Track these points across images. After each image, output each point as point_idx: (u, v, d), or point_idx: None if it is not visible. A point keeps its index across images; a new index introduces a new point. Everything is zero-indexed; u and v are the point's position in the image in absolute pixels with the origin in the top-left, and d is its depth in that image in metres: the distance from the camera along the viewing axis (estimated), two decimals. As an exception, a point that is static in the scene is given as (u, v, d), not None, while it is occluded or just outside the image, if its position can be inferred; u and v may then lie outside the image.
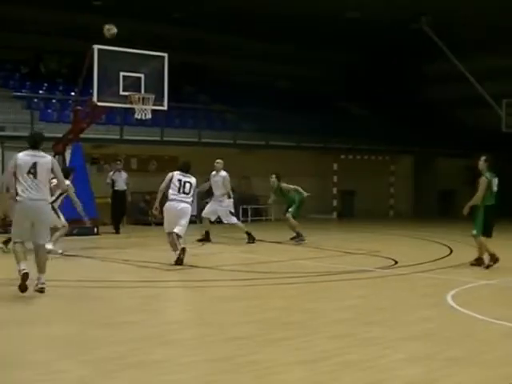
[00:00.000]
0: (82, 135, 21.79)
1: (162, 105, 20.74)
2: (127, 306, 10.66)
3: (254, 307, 10.44)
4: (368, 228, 26.38)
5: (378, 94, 37.50)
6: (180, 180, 15.24)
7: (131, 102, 19.93)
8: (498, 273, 14.50)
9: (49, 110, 26.74)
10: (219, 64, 34.25)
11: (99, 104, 19.85)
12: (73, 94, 25.15)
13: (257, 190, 30.70)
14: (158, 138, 27.01)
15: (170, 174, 15.43)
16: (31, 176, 10.99)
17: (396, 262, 15.84)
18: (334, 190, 32.46)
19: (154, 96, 20.00)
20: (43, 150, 11.32)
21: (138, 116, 20.20)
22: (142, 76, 20.04)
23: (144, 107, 19.95)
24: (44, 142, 11.50)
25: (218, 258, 16.96)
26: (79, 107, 21.54)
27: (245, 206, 29.22)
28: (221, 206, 19.93)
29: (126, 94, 19.85)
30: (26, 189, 11.01)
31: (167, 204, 15.19)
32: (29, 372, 6.95)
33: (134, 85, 19.97)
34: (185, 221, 14.98)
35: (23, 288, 10.73)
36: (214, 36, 33.87)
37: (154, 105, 20.14)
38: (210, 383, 6.78)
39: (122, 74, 19.79)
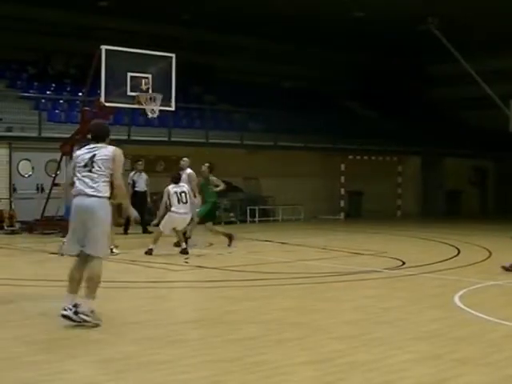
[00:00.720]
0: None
1: (170, 105, 20.76)
2: (134, 306, 10.65)
3: (261, 307, 10.43)
4: (375, 229, 26.34)
5: (385, 94, 37.45)
6: (176, 192, 17.05)
7: (139, 102, 19.95)
8: (505, 274, 14.45)
9: (56, 111, 26.78)
10: (226, 64, 34.28)
11: (107, 104, 19.89)
12: (80, 94, 25.19)
13: (264, 191, 30.69)
14: (165, 139, 27.02)
15: (166, 190, 17.18)
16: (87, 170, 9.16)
17: (403, 263, 15.81)
18: (342, 191, 32.43)
19: (161, 96, 20.01)
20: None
21: (149, 115, 20.21)
22: (150, 76, 20.05)
23: (151, 107, 19.97)
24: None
25: (225, 258, 16.94)
26: (87, 108, 21.57)
27: (252, 207, 29.20)
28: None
29: (134, 94, 19.87)
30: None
31: (171, 214, 17.02)
32: (33, 372, 6.95)
33: (141, 85, 19.99)
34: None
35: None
36: (221, 36, 33.91)
37: (161, 105, 20.15)
38: (217, 383, 6.77)
39: (129, 74, 19.81)
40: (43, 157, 24.68)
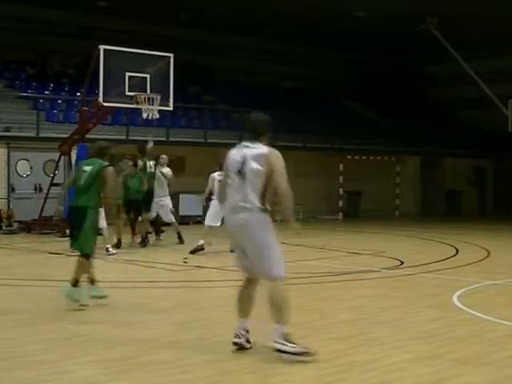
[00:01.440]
0: (87, 135, 21.80)
1: (168, 105, 20.76)
2: (133, 306, 10.64)
3: (260, 307, 10.41)
4: (374, 228, 26.34)
5: (384, 94, 37.45)
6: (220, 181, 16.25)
7: (137, 103, 19.95)
8: (503, 273, 14.48)
9: (55, 111, 26.77)
10: (225, 64, 34.25)
11: (105, 104, 19.90)
12: (79, 94, 25.17)
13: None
14: (163, 139, 26.98)
15: (212, 177, 17.13)
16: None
17: (402, 263, 15.82)
18: (340, 191, 32.40)
19: (159, 96, 20.01)
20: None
21: (145, 116, 20.21)
22: (148, 76, 20.06)
23: (150, 107, 19.96)
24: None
25: (224, 258, 16.94)
26: (85, 108, 21.58)
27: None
28: (163, 204, 19.14)
29: (132, 94, 19.87)
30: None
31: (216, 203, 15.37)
32: (34, 372, 6.96)
33: (139, 85, 20.00)
34: None
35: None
36: (220, 36, 33.89)
37: (159, 105, 20.15)
38: (216, 383, 6.77)
39: (127, 74, 19.81)
40: (41, 157, 24.66)
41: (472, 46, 32.92)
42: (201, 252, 16.84)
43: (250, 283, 7.99)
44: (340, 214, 32.54)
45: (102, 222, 15.36)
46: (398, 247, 19.95)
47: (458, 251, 18.50)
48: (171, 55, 20.76)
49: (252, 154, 7.65)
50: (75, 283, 10.11)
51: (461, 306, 10.53)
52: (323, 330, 9.06)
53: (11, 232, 22.60)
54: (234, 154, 7.81)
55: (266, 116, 8.22)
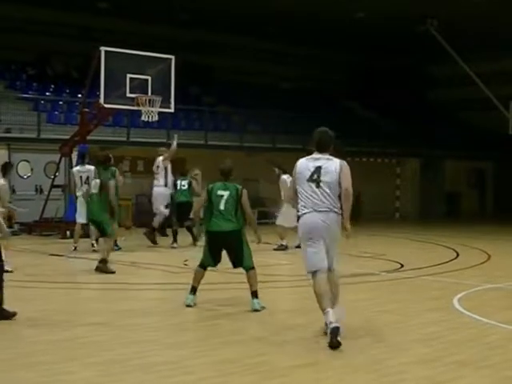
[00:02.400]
0: (88, 137, 21.82)
1: (169, 107, 20.76)
2: (134, 308, 10.66)
3: (264, 311, 10.41)
4: (374, 231, 26.33)
5: (385, 95, 37.45)
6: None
7: (138, 104, 19.94)
8: (504, 277, 14.49)
9: (56, 112, 26.77)
10: (225, 65, 34.27)
11: (106, 106, 19.90)
12: (80, 95, 25.16)
13: (263, 193, 30.66)
14: (164, 140, 26.96)
15: (285, 179, 18.16)
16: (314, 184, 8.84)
17: (402, 266, 15.82)
18: (340, 193, 32.38)
19: (160, 98, 20.01)
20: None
21: (144, 118, 20.21)
22: (149, 78, 20.05)
23: (151, 109, 19.96)
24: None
25: (225, 260, 16.94)
26: (86, 109, 21.59)
27: (251, 209, 29.09)
28: None
29: (133, 95, 19.87)
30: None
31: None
32: (33, 373, 6.97)
33: (140, 87, 19.99)
34: None
35: (334, 345, 8.03)
36: (220, 37, 33.90)
37: (160, 107, 20.15)
38: (217, 385, 6.79)
39: (128, 76, 19.80)
40: (42, 158, 24.67)
41: (472, 48, 32.90)
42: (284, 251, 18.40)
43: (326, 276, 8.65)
44: (339, 216, 32.47)
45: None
46: (398, 250, 19.95)
47: (458, 254, 18.49)
48: (172, 57, 20.75)
49: (324, 164, 8.86)
50: None
51: (461, 309, 10.54)
52: (323, 332, 9.06)
53: (12, 233, 22.56)
54: (305, 163, 8.94)
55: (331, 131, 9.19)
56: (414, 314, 10.39)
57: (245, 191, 10.64)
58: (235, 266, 10.80)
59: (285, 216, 18.24)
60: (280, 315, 10.15)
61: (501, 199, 38.91)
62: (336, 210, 8.98)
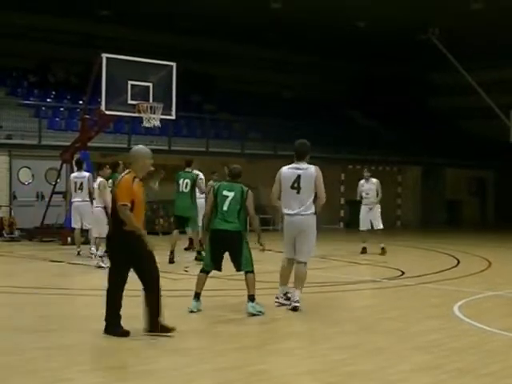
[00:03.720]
0: (89, 144, 21.83)
1: (170, 114, 20.76)
2: (133, 314, 10.63)
3: (260, 317, 10.41)
4: (375, 238, 26.28)
5: (386, 103, 37.48)
6: None
7: (139, 111, 19.93)
8: (504, 284, 14.48)
9: (57, 119, 26.81)
10: (226, 73, 34.31)
11: (107, 113, 19.90)
12: (81, 102, 25.19)
13: (264, 200, 30.63)
14: (165, 148, 26.98)
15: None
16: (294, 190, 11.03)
17: (403, 273, 15.81)
18: (342, 200, 32.38)
19: (162, 105, 20.00)
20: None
21: (145, 125, 20.22)
22: (151, 85, 20.05)
23: (152, 116, 19.96)
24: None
25: (224, 267, 16.94)
26: (87, 116, 21.60)
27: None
28: None
29: (134, 102, 19.86)
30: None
31: None
32: (33, 380, 6.96)
33: (141, 93, 19.99)
34: None
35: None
36: (221, 45, 33.96)
37: (161, 114, 20.15)
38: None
39: (130, 82, 19.81)
40: (43, 164, 24.68)
41: (474, 57, 32.97)
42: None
43: (291, 264, 11.21)
44: (341, 224, 32.50)
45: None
46: (399, 257, 19.95)
47: (459, 261, 18.49)
48: (174, 64, 20.76)
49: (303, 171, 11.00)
50: None
51: (462, 317, 10.53)
52: (324, 339, 9.06)
53: (13, 239, 22.61)
54: (287, 172, 11.10)
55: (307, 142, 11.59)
56: (414, 322, 10.38)
57: (250, 193, 10.76)
58: (236, 268, 10.79)
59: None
60: (280, 322, 10.13)
61: (501, 207, 38.92)
62: (309, 212, 11.11)
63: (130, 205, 8.67)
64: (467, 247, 22.33)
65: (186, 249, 19.39)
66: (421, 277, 15.23)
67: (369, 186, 20.67)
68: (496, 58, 35.23)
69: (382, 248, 19.81)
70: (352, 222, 32.97)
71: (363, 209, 20.68)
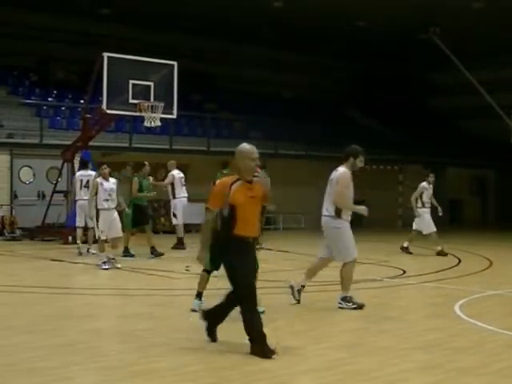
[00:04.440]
0: (90, 143, 21.83)
1: (171, 113, 20.76)
2: (135, 313, 10.64)
3: (263, 316, 10.40)
4: (376, 238, 26.32)
5: (386, 103, 37.46)
6: None
7: (140, 110, 19.94)
8: (505, 283, 14.47)
9: (58, 118, 26.82)
10: (227, 72, 34.31)
11: (108, 112, 19.90)
12: (82, 101, 25.21)
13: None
14: (166, 147, 27.00)
15: None
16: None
17: (404, 272, 15.81)
18: (342, 200, 32.35)
19: (163, 104, 20.01)
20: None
21: (146, 124, 20.22)
22: (152, 84, 20.06)
23: (153, 115, 19.96)
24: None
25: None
26: (88, 115, 21.60)
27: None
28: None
29: (136, 101, 19.86)
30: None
31: None
32: (34, 379, 6.95)
33: (143, 93, 20.00)
34: None
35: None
36: (222, 45, 33.97)
37: (162, 113, 20.15)
38: (217, 391, 6.77)
39: (131, 81, 19.81)
40: (44, 164, 24.70)
41: (475, 56, 32.95)
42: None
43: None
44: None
45: None
46: (401, 256, 19.91)
47: (460, 261, 18.49)
48: (175, 63, 20.77)
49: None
50: None
51: (462, 316, 10.52)
52: (325, 338, 9.05)
53: (14, 239, 22.62)
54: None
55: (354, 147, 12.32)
56: (415, 321, 10.38)
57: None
58: None
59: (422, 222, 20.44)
60: (278, 322, 10.12)
61: (502, 207, 38.91)
62: (327, 214, 11.91)
63: (215, 209, 8.18)
64: (468, 246, 22.35)
65: (173, 248, 19.67)
66: (422, 276, 15.25)
67: (431, 191, 20.47)
68: (497, 58, 35.21)
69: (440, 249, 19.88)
70: (354, 221, 33.04)
71: (427, 212, 20.94)
